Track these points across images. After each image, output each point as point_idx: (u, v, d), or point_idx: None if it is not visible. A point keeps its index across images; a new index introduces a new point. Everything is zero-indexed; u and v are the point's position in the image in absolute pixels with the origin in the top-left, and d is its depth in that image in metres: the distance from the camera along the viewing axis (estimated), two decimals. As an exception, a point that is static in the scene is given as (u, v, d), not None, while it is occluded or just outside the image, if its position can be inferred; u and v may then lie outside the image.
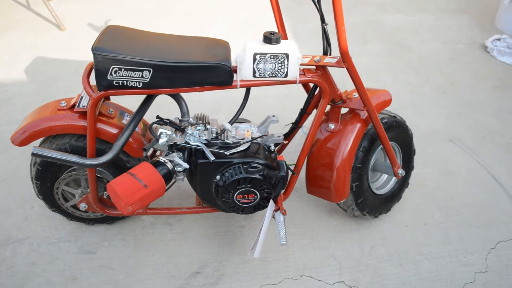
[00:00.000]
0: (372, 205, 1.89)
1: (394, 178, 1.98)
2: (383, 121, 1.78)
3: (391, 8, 3.95)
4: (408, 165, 1.99)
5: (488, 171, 2.31)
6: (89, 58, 3.11)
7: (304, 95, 1.77)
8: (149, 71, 1.41)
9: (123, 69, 1.39)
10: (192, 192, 2.11)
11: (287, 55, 1.45)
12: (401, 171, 1.84)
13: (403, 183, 2.01)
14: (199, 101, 2.68)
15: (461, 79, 3.05)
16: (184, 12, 3.75)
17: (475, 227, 2.01)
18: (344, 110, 1.76)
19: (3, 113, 2.62)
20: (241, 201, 1.60)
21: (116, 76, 1.40)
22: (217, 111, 2.67)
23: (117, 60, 1.38)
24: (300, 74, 1.53)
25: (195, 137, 1.58)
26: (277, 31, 1.82)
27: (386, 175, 2.00)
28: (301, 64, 1.51)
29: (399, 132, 1.88)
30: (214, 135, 1.61)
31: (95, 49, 1.38)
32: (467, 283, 1.78)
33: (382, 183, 1.99)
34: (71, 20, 3.56)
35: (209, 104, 2.70)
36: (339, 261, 1.85)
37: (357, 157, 1.74)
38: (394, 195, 1.99)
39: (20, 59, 3.11)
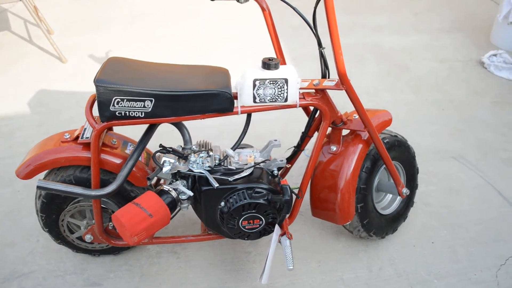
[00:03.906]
0: (378, 225, 1.88)
1: (399, 198, 1.98)
2: (385, 141, 1.79)
3: (387, 29, 4.01)
4: (412, 184, 1.99)
5: (493, 187, 2.31)
6: (91, 89, 3.15)
7: (305, 118, 1.78)
8: (151, 101, 1.42)
9: (125, 100, 1.41)
10: (197, 220, 2.10)
11: (286, 80, 1.47)
12: (405, 190, 1.83)
13: (408, 202, 2.00)
14: (201, 127, 2.69)
15: (460, 96, 3.08)
16: (184, 41, 3.81)
17: (483, 243, 2.00)
18: (345, 132, 1.77)
19: (7, 146, 2.64)
20: (246, 227, 1.59)
21: (119, 107, 1.42)
22: (219, 137, 2.68)
23: (119, 91, 1.40)
24: (300, 98, 1.55)
25: (198, 164, 1.59)
26: (275, 56, 1.85)
27: (391, 195, 1.99)
28: (300, 88, 1.53)
29: (401, 151, 1.88)
30: (217, 161, 1.62)
31: (97, 81, 1.40)
32: (479, 302, 1.76)
33: (387, 203, 1.98)
34: (73, 52, 3.62)
35: (211, 130, 2.72)
36: (347, 284, 1.82)
37: (361, 178, 1.74)
38: (400, 215, 1.98)
39: (23, 92, 3.15)
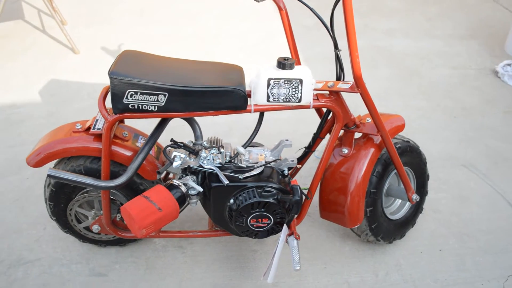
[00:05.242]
0: (386, 230, 1.87)
1: (408, 203, 1.96)
2: (397, 146, 1.78)
3: (399, 33, 3.99)
4: (422, 190, 1.97)
5: (502, 197, 2.29)
6: (102, 81, 3.16)
7: (316, 118, 1.77)
8: (165, 95, 1.42)
9: (139, 93, 1.41)
10: (204, 215, 2.10)
11: (301, 81, 1.46)
12: (415, 196, 1.82)
13: (417, 208, 1.99)
14: (211, 124, 2.69)
15: (472, 104, 3.05)
16: (194, 36, 3.81)
17: (491, 253, 1.98)
18: (357, 135, 1.76)
19: (16, 134, 2.65)
20: (254, 225, 1.59)
21: (132, 99, 1.42)
22: (228, 134, 2.68)
23: (133, 84, 1.40)
24: (313, 99, 1.54)
25: (209, 161, 1.59)
26: (290, 56, 1.84)
27: (400, 200, 1.98)
28: (314, 89, 1.52)
29: (413, 157, 1.87)
30: (227, 158, 1.61)
31: (111, 73, 1.40)
32: (484, 312, 1.75)
33: (396, 208, 1.97)
34: (85, 43, 3.63)
35: (221, 127, 2.72)
36: (353, 287, 1.81)
37: (371, 182, 1.73)
38: (408, 221, 1.97)
39: (34, 82, 3.16)
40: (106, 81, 3.12)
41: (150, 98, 1.42)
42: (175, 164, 1.57)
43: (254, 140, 1.69)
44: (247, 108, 1.50)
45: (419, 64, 3.52)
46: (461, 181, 2.38)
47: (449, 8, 4.50)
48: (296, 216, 1.74)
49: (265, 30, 3.88)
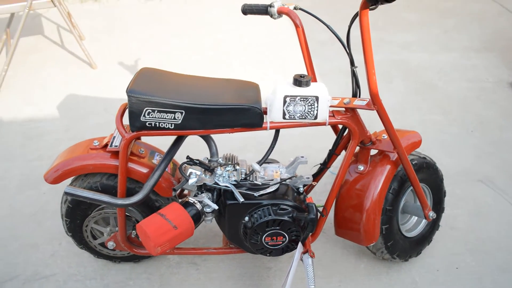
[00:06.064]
0: (402, 248, 1.84)
1: (424, 221, 1.94)
2: (413, 163, 1.76)
3: (415, 46, 3.97)
4: (438, 207, 1.95)
5: (521, 214, 2.25)
6: (119, 96, 3.20)
7: (331, 133, 1.77)
8: (181, 113, 1.43)
9: (156, 111, 1.43)
10: (218, 232, 2.10)
11: (317, 98, 1.46)
12: (431, 214, 1.80)
13: (433, 226, 1.96)
14: (226, 139, 2.69)
15: (489, 118, 3.01)
16: (208, 49, 3.84)
17: (509, 272, 1.94)
18: (373, 152, 1.75)
19: (34, 148, 2.69)
20: (269, 243, 1.58)
21: (149, 117, 1.43)
22: (243, 149, 2.68)
23: (150, 102, 1.41)
24: (329, 116, 1.54)
25: (224, 178, 1.59)
26: (306, 73, 1.84)
27: (416, 217, 1.95)
28: (330, 106, 1.52)
29: (429, 174, 1.85)
30: (243, 176, 1.61)
31: (129, 91, 1.42)
32: (504, 333, 1.71)
33: (412, 225, 1.95)
34: (103, 58, 3.68)
35: (236, 142, 2.72)
36: (368, 306, 1.79)
37: (387, 199, 1.72)
38: (425, 238, 1.94)
39: (52, 96, 3.21)
40: (123, 96, 3.15)
41: (167, 116, 1.44)
42: (190, 181, 1.58)
43: (269, 157, 1.69)
44: (263, 125, 1.50)
45: (435, 78, 3.49)
46: (478, 197, 2.35)
47: (465, 20, 4.46)
48: (311, 234, 1.73)
49: (277, 41, 3.90)
